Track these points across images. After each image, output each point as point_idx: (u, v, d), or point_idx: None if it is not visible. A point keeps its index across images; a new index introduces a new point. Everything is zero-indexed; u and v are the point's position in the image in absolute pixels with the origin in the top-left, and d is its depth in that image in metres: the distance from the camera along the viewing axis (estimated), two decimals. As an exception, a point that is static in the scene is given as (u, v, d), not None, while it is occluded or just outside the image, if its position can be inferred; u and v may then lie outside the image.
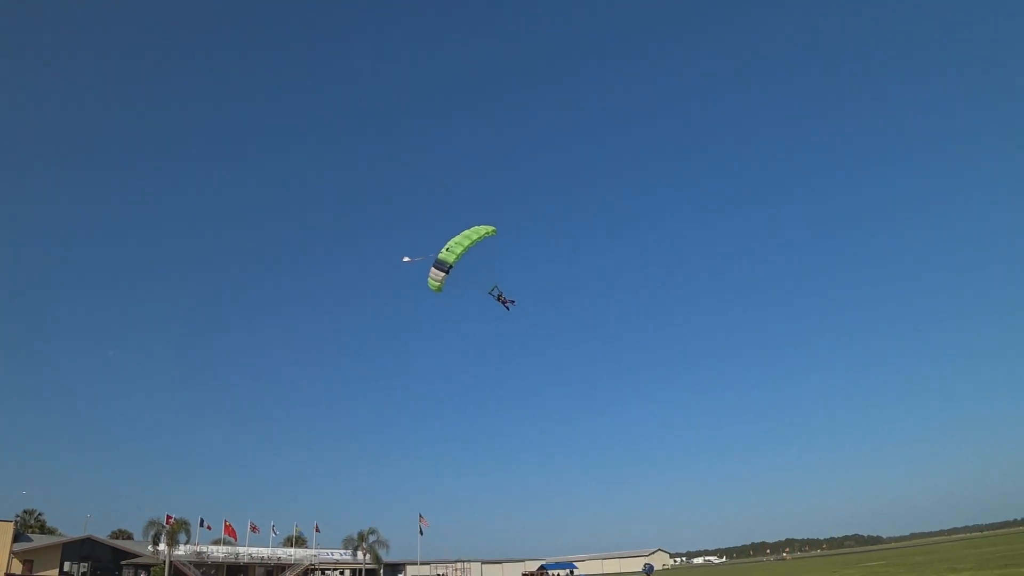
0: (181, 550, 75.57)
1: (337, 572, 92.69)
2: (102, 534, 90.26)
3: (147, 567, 77.07)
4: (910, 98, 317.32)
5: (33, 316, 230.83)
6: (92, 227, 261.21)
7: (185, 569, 76.54)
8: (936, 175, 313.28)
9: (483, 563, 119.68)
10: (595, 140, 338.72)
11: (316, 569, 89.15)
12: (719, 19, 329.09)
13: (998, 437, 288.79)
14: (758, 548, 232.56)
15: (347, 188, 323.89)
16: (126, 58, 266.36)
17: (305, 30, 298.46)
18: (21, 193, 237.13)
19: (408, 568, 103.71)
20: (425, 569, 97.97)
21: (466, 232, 31.01)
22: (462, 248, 30.49)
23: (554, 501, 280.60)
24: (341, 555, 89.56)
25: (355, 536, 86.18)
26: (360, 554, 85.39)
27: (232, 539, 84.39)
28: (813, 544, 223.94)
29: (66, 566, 78.27)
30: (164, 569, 71.30)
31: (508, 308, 32.20)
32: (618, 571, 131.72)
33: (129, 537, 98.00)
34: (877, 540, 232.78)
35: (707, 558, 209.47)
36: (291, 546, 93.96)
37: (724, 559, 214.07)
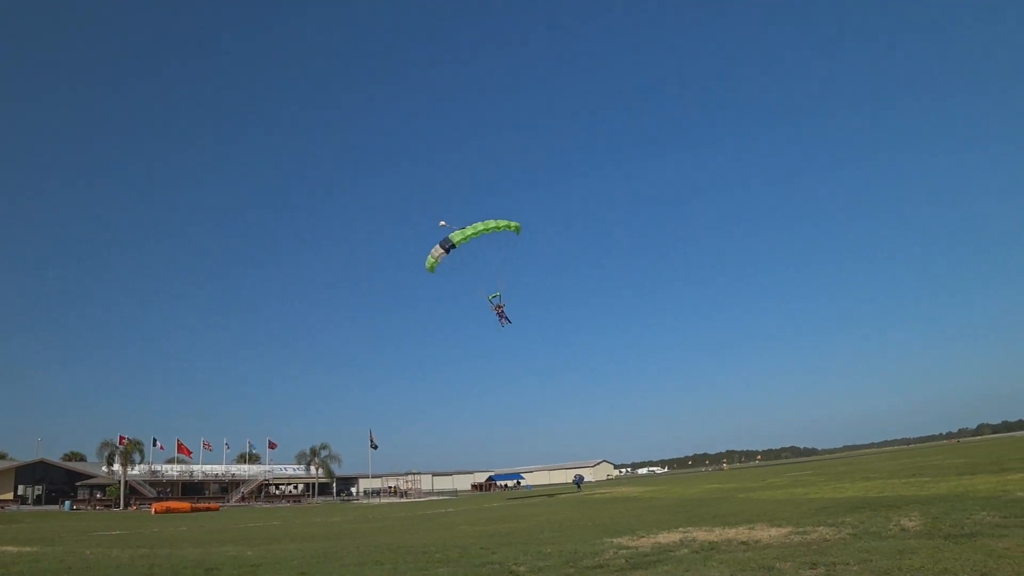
0: (136, 470, 77.28)
1: (291, 486, 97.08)
2: (55, 457, 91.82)
3: (102, 487, 78.52)
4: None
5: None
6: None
7: (140, 488, 78.37)
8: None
9: (433, 475, 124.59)
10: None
11: (270, 484, 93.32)
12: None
13: (933, 356, 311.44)
14: (699, 460, 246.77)
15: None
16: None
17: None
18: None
19: (360, 481, 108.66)
20: (376, 482, 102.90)
21: (488, 221, 30.36)
22: (474, 231, 29.80)
23: (505, 417, 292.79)
24: (295, 470, 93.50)
25: (308, 451, 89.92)
26: (313, 468, 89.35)
27: (187, 457, 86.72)
28: (750, 456, 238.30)
29: (20, 489, 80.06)
30: (119, 489, 72.60)
31: (502, 324, 31.52)
32: (562, 482, 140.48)
33: (83, 459, 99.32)
34: (812, 452, 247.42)
35: (651, 468, 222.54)
36: (245, 463, 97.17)
37: (666, 470, 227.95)
